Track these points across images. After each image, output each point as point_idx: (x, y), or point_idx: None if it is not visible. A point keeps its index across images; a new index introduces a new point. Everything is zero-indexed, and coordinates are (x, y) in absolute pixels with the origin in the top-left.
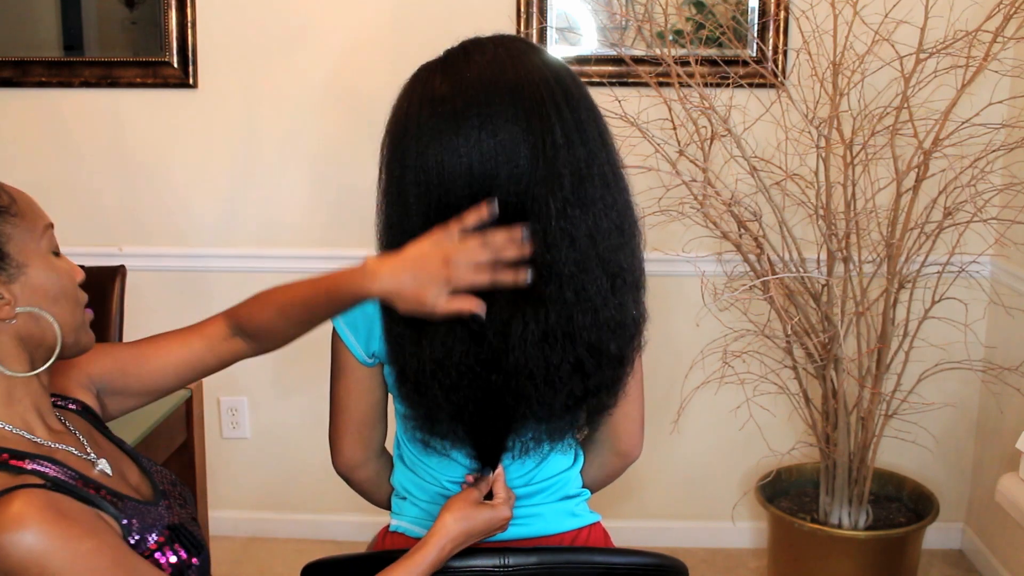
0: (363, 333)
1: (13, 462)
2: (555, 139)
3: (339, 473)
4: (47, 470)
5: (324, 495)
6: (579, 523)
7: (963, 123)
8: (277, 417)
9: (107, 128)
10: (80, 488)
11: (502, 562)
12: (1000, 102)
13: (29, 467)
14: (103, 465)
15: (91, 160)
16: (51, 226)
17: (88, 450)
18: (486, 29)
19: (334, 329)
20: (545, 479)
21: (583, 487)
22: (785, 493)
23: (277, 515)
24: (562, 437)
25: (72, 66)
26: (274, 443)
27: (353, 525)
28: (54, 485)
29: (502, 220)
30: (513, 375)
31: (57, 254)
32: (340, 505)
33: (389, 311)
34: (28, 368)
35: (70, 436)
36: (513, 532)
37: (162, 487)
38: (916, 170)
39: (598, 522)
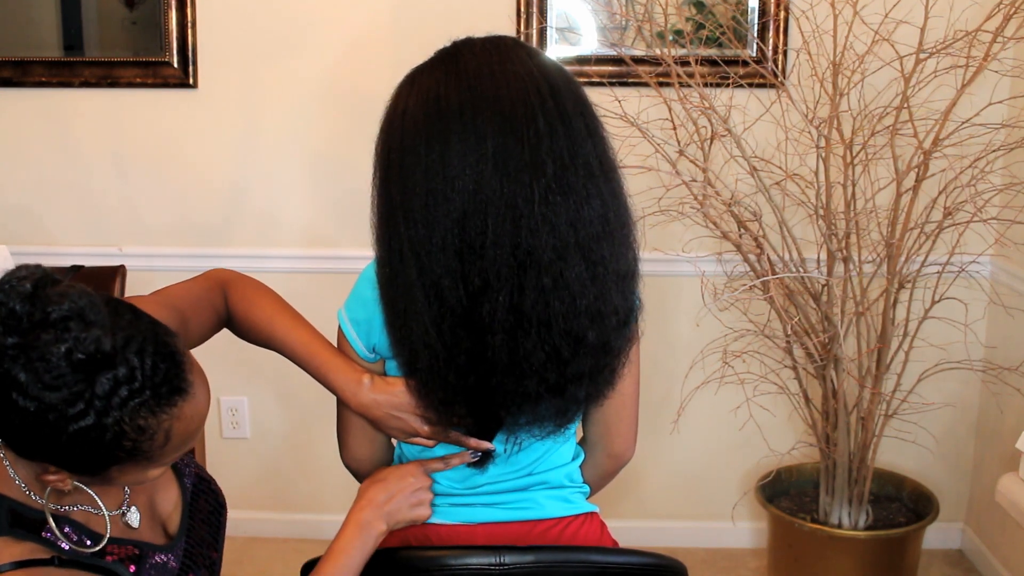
0: (364, 326)
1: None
2: (538, 127)
3: (347, 468)
4: (59, 540)
5: (324, 495)
6: (573, 511)
7: (963, 123)
8: (277, 417)
9: (107, 128)
10: (89, 559)
11: (498, 560)
12: (1000, 102)
13: (42, 534)
14: (132, 516)
15: (91, 160)
16: (181, 456)
17: (120, 499)
18: (486, 29)
19: (339, 327)
20: (544, 471)
21: (583, 483)
22: (785, 493)
23: (277, 515)
24: (552, 426)
25: (72, 66)
26: (274, 443)
27: None
28: (60, 561)
29: (483, 209)
30: (491, 361)
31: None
32: (340, 505)
33: (387, 304)
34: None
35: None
36: (507, 515)
37: (191, 512)
38: (916, 170)
39: (595, 512)
